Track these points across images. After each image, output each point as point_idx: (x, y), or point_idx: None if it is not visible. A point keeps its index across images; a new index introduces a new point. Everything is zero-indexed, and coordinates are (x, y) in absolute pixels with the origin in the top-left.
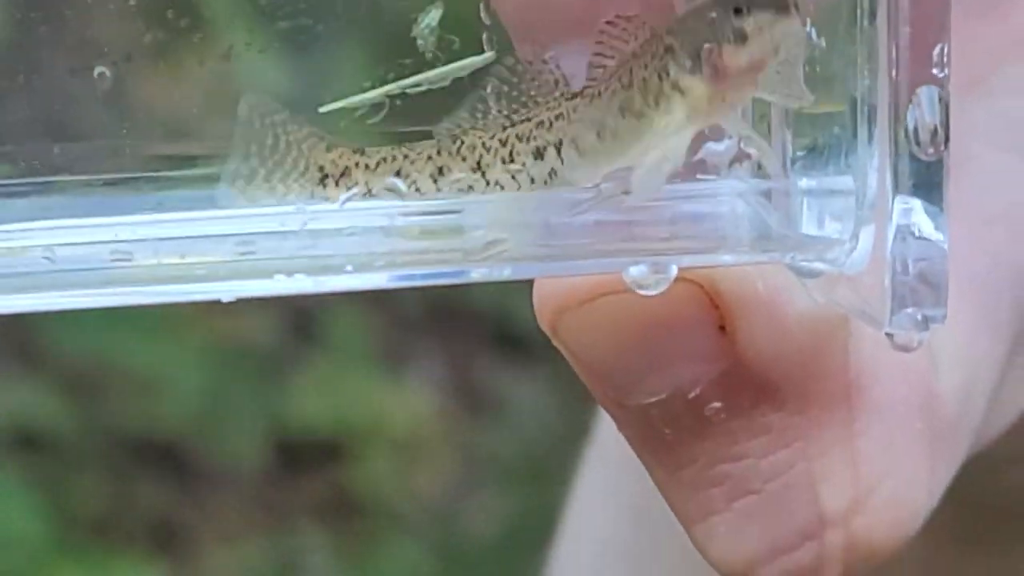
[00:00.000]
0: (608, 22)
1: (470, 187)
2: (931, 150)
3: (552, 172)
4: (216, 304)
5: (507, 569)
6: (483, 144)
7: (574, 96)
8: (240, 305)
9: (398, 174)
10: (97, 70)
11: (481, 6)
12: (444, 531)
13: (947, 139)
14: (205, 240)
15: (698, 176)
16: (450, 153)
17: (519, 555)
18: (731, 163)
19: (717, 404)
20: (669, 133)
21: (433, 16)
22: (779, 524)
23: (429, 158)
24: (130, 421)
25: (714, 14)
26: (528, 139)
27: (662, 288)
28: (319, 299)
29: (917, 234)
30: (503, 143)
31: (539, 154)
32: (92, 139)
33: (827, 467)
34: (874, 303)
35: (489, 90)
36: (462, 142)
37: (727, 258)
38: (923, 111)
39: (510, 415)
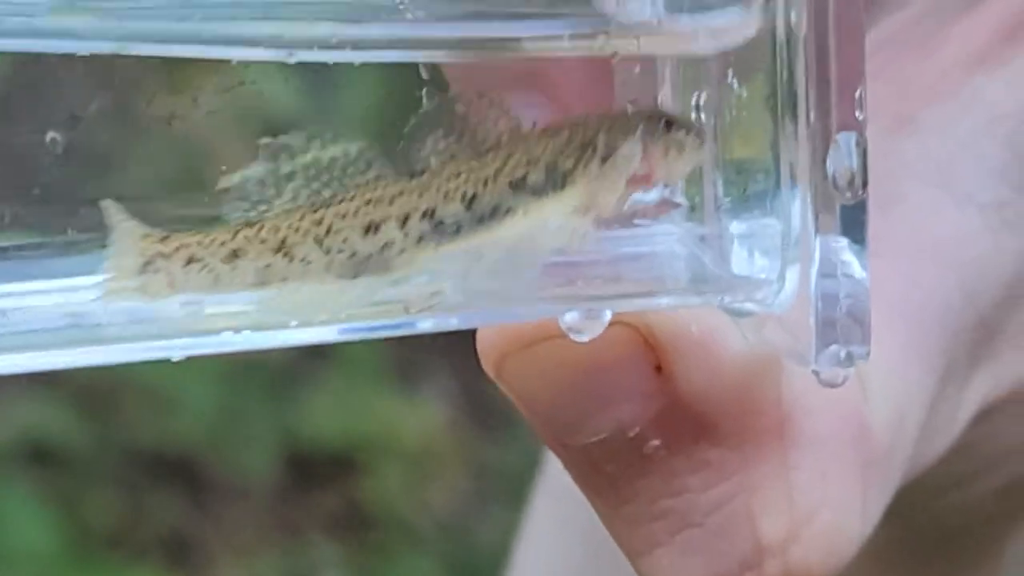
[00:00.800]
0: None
1: (268, 266)
2: (849, 194)
3: (386, 245)
4: None
5: None
6: (289, 226)
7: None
8: None
9: (190, 260)
10: (48, 135)
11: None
12: (456, 544)
13: (865, 182)
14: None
15: (634, 222)
16: (247, 238)
17: None
18: (658, 211)
19: (656, 442)
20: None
21: None
22: (720, 556)
23: (223, 243)
24: (143, 435)
25: (650, 122)
26: (355, 214)
27: (596, 333)
28: None
29: (839, 274)
30: (317, 223)
31: (372, 229)
32: (44, 203)
33: (764, 499)
34: (800, 341)
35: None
36: (262, 226)
37: (660, 302)
38: (842, 156)
39: (521, 429)
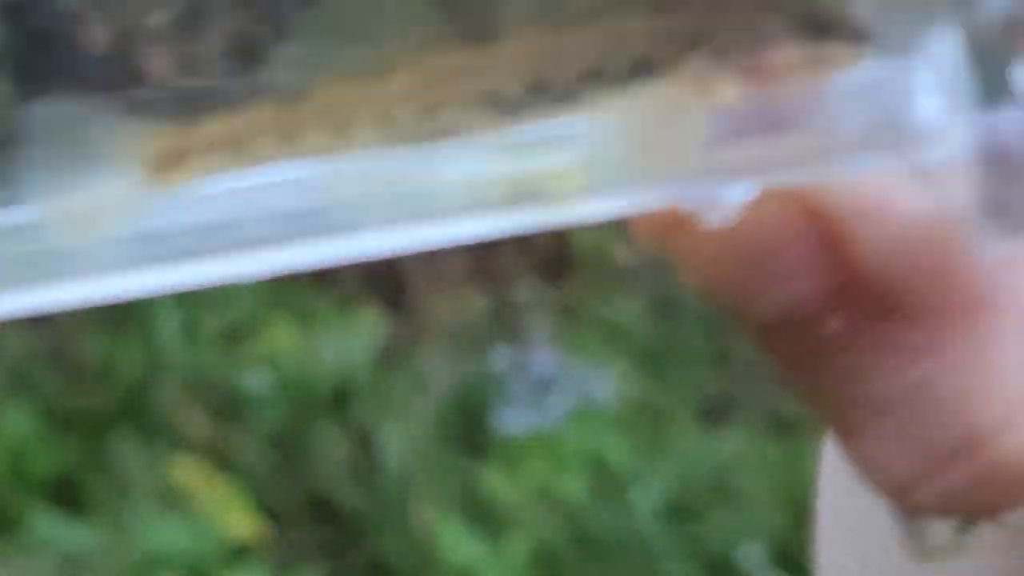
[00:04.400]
0: None
1: (326, 148)
2: (1010, 39)
3: (448, 133)
4: None
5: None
6: (343, 100)
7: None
8: None
9: (235, 144)
10: None
11: None
12: (662, 285)
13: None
14: None
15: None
16: (299, 113)
17: None
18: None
19: (840, 322)
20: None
21: None
22: (927, 443)
23: (276, 123)
24: None
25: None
26: (410, 95)
27: (732, 217)
28: None
29: (1006, 121)
30: (372, 99)
31: (429, 113)
32: None
33: (970, 381)
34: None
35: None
36: (313, 99)
37: (788, 176)
38: None
39: None
